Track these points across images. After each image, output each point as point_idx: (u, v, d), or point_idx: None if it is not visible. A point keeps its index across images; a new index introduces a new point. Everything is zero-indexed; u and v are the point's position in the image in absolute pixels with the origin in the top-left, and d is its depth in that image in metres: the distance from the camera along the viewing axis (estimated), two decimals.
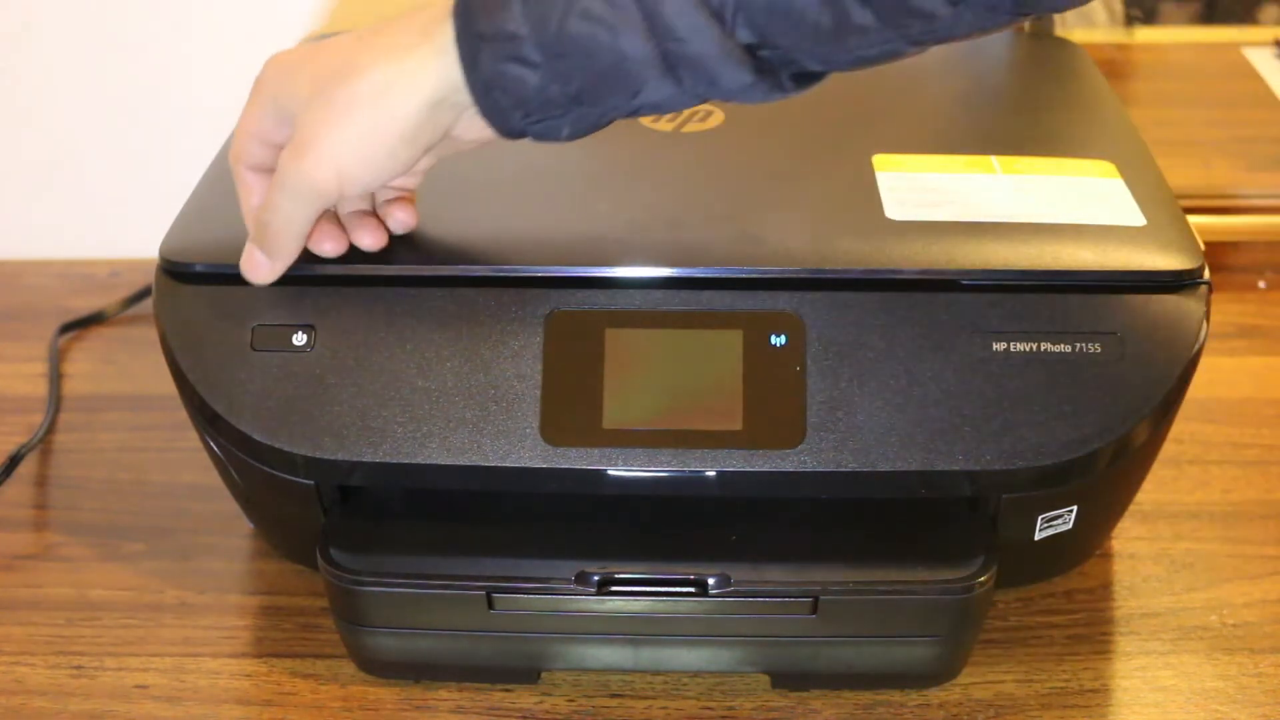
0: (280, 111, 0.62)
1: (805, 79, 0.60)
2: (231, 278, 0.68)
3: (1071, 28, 1.09)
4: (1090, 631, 0.73)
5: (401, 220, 0.68)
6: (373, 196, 0.68)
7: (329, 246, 0.66)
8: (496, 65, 0.58)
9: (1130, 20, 1.19)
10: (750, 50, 0.58)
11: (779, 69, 0.59)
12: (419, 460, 0.65)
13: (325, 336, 0.66)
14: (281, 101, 0.62)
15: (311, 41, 0.63)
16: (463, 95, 0.59)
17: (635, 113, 0.60)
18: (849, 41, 0.57)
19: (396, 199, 0.68)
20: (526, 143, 0.79)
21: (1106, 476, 0.67)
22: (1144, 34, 1.20)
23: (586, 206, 0.72)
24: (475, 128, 0.61)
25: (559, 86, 0.58)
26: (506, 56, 0.58)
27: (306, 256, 0.67)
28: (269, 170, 0.64)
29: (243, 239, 0.68)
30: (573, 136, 0.61)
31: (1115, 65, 1.15)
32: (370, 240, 0.67)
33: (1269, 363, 0.94)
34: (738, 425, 0.65)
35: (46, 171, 1.09)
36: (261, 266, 0.65)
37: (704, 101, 0.60)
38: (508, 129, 0.61)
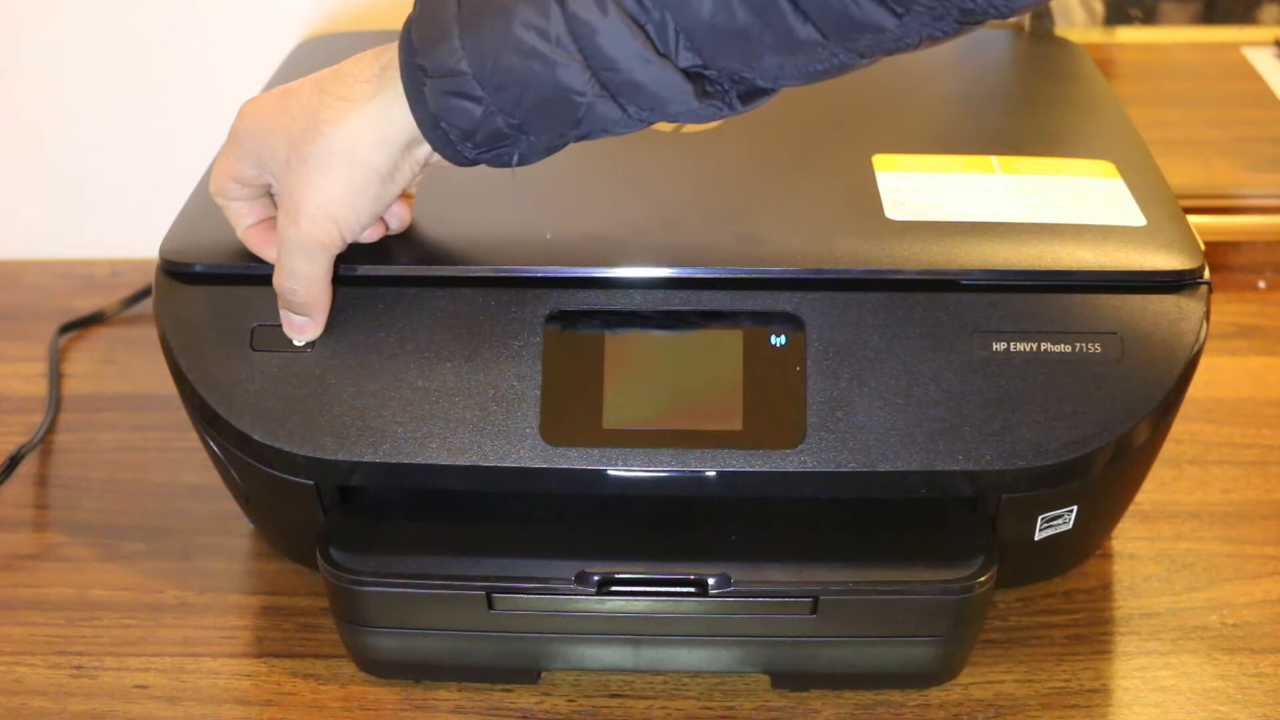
0: (258, 164, 0.64)
1: (753, 95, 0.60)
2: (231, 278, 0.68)
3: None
4: (1090, 631, 0.73)
5: (398, 215, 0.69)
6: None
7: None
8: (440, 99, 0.59)
9: (1127, 19, 1.19)
10: (694, 73, 0.58)
11: (726, 88, 0.59)
12: (419, 460, 0.65)
13: (325, 336, 0.66)
14: (260, 157, 0.64)
15: (282, 89, 0.64)
16: (418, 134, 0.61)
17: (585, 137, 0.61)
18: (795, 58, 0.57)
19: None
20: None
21: (1106, 476, 0.67)
22: (1143, 34, 1.20)
23: (587, 207, 0.72)
24: (437, 158, 0.62)
25: (503, 118, 0.59)
26: (449, 90, 0.59)
27: None
28: (249, 199, 0.66)
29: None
30: (524, 163, 0.62)
31: (1114, 65, 1.15)
32: (368, 234, 0.67)
33: (1269, 363, 0.94)
34: (738, 425, 0.65)
35: (46, 171, 1.09)
36: (306, 326, 0.66)
37: (654, 123, 0.60)
38: (459, 159, 0.62)
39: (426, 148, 0.62)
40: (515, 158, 0.61)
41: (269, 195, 0.67)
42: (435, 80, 0.59)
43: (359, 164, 0.61)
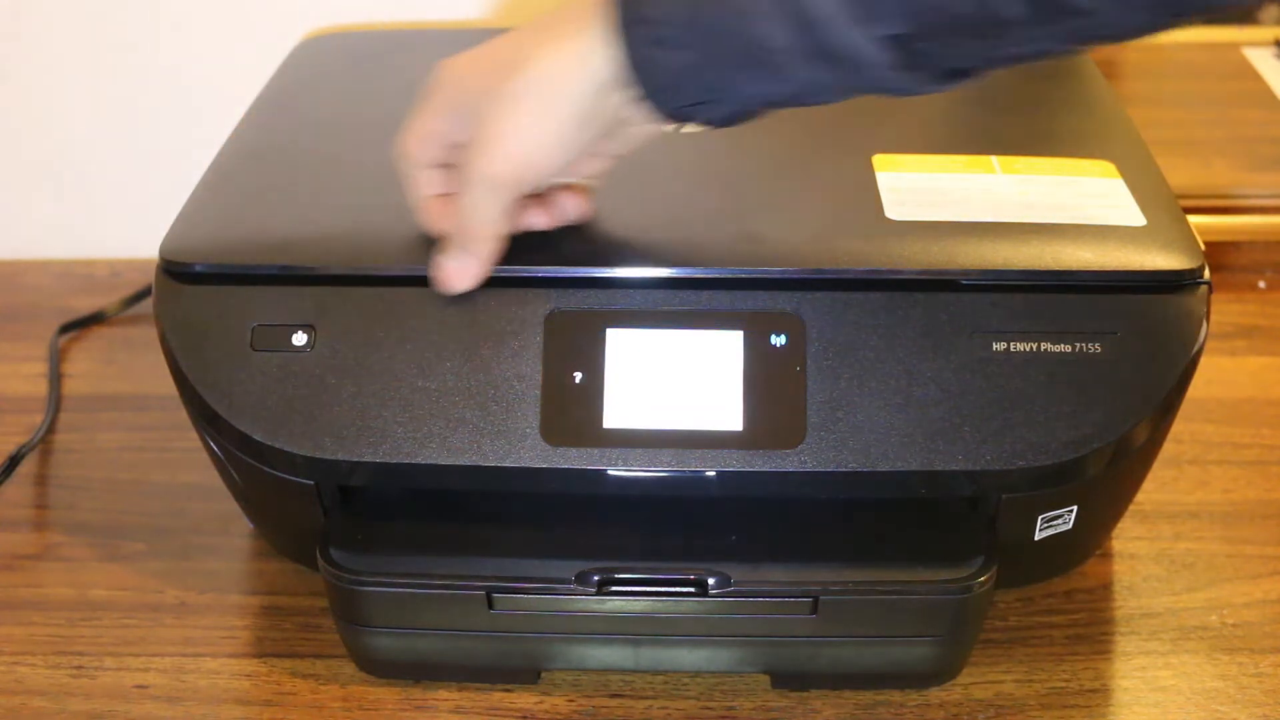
0: (457, 113, 0.64)
1: (953, 76, 0.59)
2: (231, 277, 0.68)
3: None
4: (1090, 631, 0.73)
5: (570, 207, 0.68)
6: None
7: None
8: (644, 48, 0.58)
9: None
10: (895, 44, 0.56)
11: (926, 64, 0.58)
12: (419, 460, 0.65)
13: (325, 336, 0.66)
14: (459, 103, 0.63)
15: (483, 44, 0.64)
16: (626, 79, 0.59)
17: (791, 101, 0.60)
18: (997, 39, 0.56)
19: (569, 186, 0.68)
20: None
21: (1106, 476, 0.67)
22: None
23: None
24: (641, 114, 0.61)
25: (709, 72, 0.58)
26: (652, 39, 0.58)
27: (309, 256, 0.67)
28: (439, 166, 0.66)
29: (243, 239, 0.68)
30: (730, 122, 0.61)
31: (1114, 65, 1.15)
32: (539, 220, 0.67)
33: (1269, 363, 0.94)
34: (738, 425, 0.65)
35: (46, 171, 1.09)
36: (466, 270, 0.65)
37: (858, 94, 0.59)
38: (667, 112, 0.60)
39: (618, 98, 0.60)
40: (721, 114, 0.61)
41: (451, 168, 0.66)
42: (641, 27, 0.58)
43: (556, 101, 0.61)
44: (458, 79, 0.64)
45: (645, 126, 0.62)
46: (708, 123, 0.62)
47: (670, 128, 0.63)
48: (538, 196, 0.67)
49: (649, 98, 0.60)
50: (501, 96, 0.61)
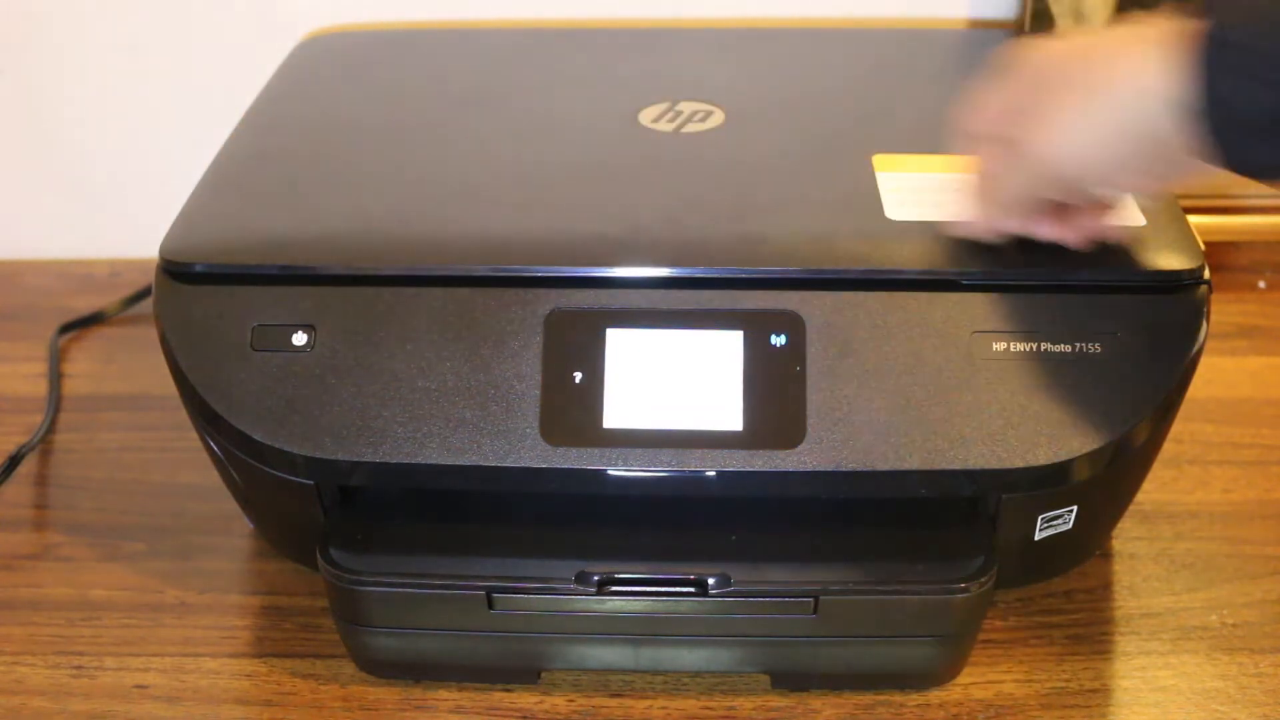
0: (1022, 94, 0.63)
1: None
2: (231, 277, 0.68)
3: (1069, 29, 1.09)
4: (1090, 631, 0.73)
5: (1088, 226, 0.67)
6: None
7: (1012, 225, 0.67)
8: (1226, 77, 0.54)
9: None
10: None
11: None
12: (419, 460, 0.65)
13: (325, 336, 0.66)
14: (1026, 85, 0.63)
15: (1075, 36, 0.63)
16: (1188, 102, 0.55)
17: None
18: None
19: (1098, 204, 0.67)
20: (523, 141, 0.79)
21: (1106, 476, 0.67)
22: None
23: (587, 206, 0.72)
24: (1196, 146, 0.56)
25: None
26: (1238, 69, 0.53)
27: (309, 256, 0.67)
28: (980, 141, 0.66)
29: (243, 239, 0.69)
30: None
31: None
32: (1064, 235, 0.66)
33: (1269, 363, 0.94)
34: (738, 425, 0.65)
35: (47, 171, 1.09)
36: (972, 222, 0.67)
37: None
38: (1229, 153, 0.55)
39: (1172, 121, 0.56)
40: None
41: (999, 147, 0.65)
42: (1227, 53, 0.54)
43: (1103, 100, 0.58)
44: (1035, 63, 0.63)
45: (1194, 159, 0.57)
46: (1261, 175, 0.56)
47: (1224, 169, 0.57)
48: (1064, 208, 0.66)
49: (1212, 130, 0.55)
50: (1066, 88, 0.60)
